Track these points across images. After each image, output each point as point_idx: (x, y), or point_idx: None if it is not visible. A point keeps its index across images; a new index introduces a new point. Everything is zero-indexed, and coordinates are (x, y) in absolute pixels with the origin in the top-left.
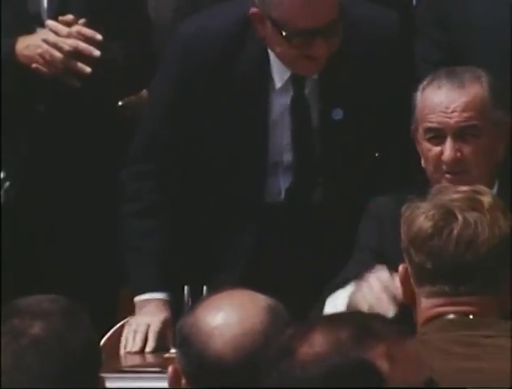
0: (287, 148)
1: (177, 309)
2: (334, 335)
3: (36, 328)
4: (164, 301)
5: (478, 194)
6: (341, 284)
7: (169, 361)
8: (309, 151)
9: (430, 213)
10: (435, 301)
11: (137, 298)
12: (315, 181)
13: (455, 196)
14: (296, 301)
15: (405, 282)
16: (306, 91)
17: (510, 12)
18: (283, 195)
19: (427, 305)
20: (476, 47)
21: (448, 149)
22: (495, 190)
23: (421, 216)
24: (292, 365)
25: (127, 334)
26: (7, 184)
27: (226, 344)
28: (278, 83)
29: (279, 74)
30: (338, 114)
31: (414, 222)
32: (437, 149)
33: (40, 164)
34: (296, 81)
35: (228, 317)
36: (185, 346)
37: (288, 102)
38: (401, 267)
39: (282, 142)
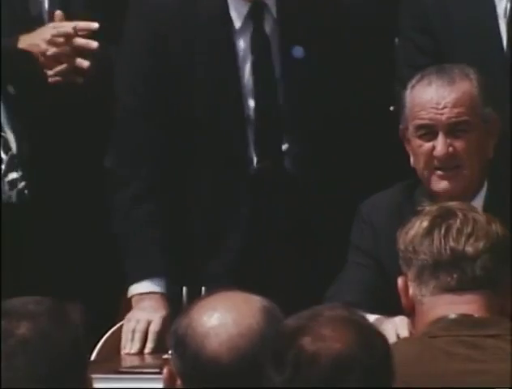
0: (249, 97)
1: (175, 311)
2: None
3: (23, 329)
4: (163, 296)
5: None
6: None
7: (168, 362)
8: (271, 100)
9: (428, 213)
10: (438, 299)
11: (135, 291)
12: (280, 135)
13: (453, 202)
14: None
15: (404, 293)
16: (267, 30)
17: (491, 12)
18: (252, 148)
19: (430, 304)
20: (457, 48)
21: (440, 144)
22: (484, 188)
23: (417, 222)
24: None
25: (126, 331)
26: (22, 184)
27: (222, 344)
28: (237, 23)
29: (237, 12)
30: (298, 52)
31: (411, 228)
32: (429, 145)
33: (50, 165)
34: (254, 17)
35: (223, 318)
36: (181, 347)
37: (249, 42)
38: (400, 280)
39: (246, 90)
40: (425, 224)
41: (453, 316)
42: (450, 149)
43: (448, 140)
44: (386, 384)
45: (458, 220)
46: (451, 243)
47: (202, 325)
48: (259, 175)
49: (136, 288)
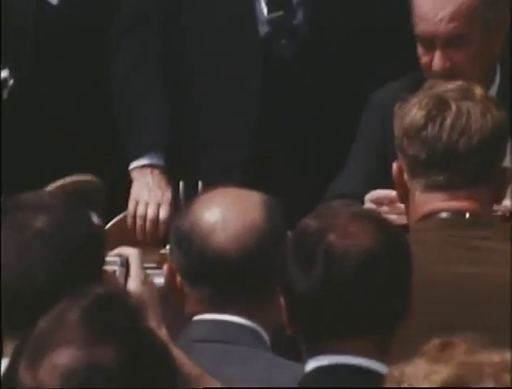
0: None
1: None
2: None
3: (40, 221)
4: (164, 170)
5: (471, 86)
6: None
7: (165, 257)
8: None
9: (423, 103)
10: (430, 195)
11: (135, 164)
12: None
13: (449, 87)
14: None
15: (398, 180)
16: None
17: None
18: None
19: (421, 199)
20: None
21: (437, 58)
22: (496, 84)
23: (414, 107)
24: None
25: (137, 217)
26: (12, 81)
27: (228, 239)
28: None
29: None
30: None
31: (407, 114)
32: (428, 57)
33: (46, 61)
34: None
35: (227, 212)
36: (185, 243)
37: None
38: (394, 165)
39: None
40: (420, 115)
41: (444, 215)
42: (447, 64)
43: (446, 54)
44: (408, 278)
45: (452, 114)
46: (444, 139)
47: (206, 221)
48: (269, 32)
49: (137, 162)
